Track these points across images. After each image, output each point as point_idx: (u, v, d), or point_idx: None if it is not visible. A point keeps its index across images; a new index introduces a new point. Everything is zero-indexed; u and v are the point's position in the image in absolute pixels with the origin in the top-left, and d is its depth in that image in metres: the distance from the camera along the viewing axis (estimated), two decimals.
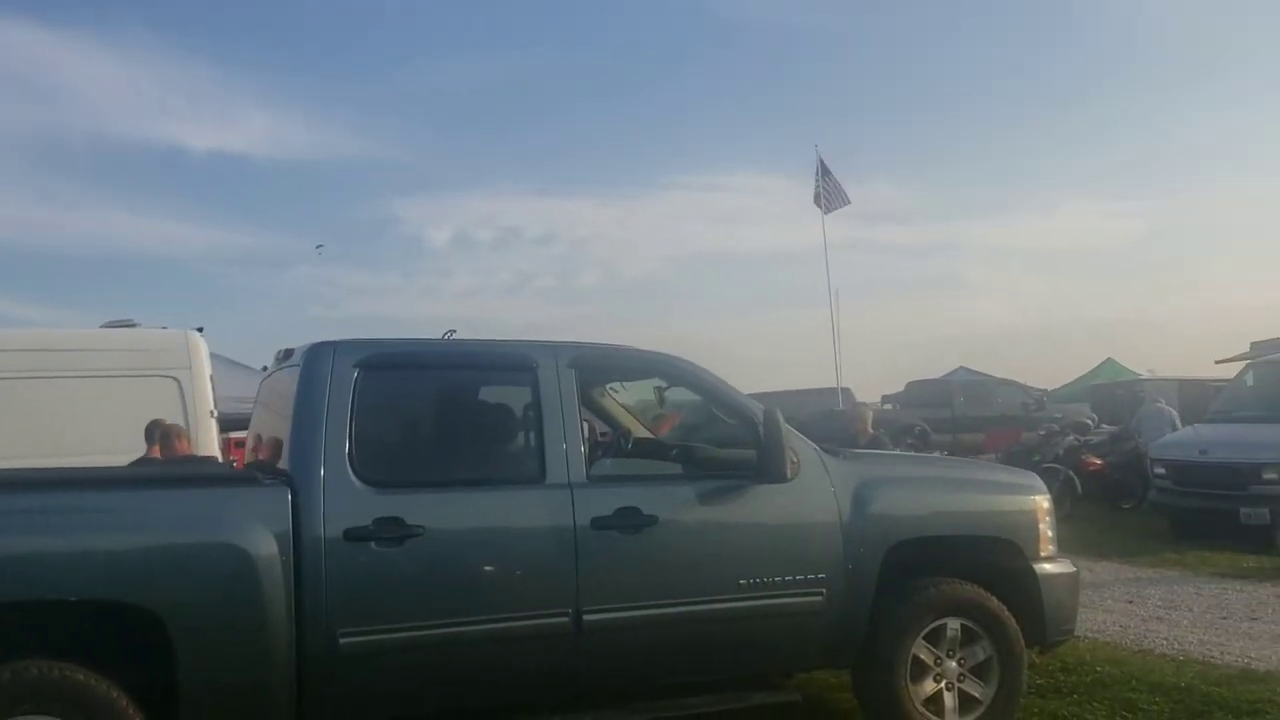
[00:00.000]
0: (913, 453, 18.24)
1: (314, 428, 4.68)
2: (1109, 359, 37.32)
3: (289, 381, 5.00)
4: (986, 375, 28.97)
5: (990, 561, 5.79)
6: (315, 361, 4.85)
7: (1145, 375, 29.51)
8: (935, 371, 29.42)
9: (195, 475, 4.74)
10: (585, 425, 6.44)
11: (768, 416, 5.20)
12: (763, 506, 5.23)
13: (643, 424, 6.57)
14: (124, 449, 6.64)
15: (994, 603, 5.67)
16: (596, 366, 5.46)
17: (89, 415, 7.62)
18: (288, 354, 5.19)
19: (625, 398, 6.52)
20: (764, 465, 5.16)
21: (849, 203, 28.33)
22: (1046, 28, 52.48)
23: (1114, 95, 54.86)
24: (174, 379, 7.89)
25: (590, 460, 5.25)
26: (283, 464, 4.80)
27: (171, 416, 7.40)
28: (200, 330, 8.56)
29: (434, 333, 5.30)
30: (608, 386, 6.34)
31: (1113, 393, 27.43)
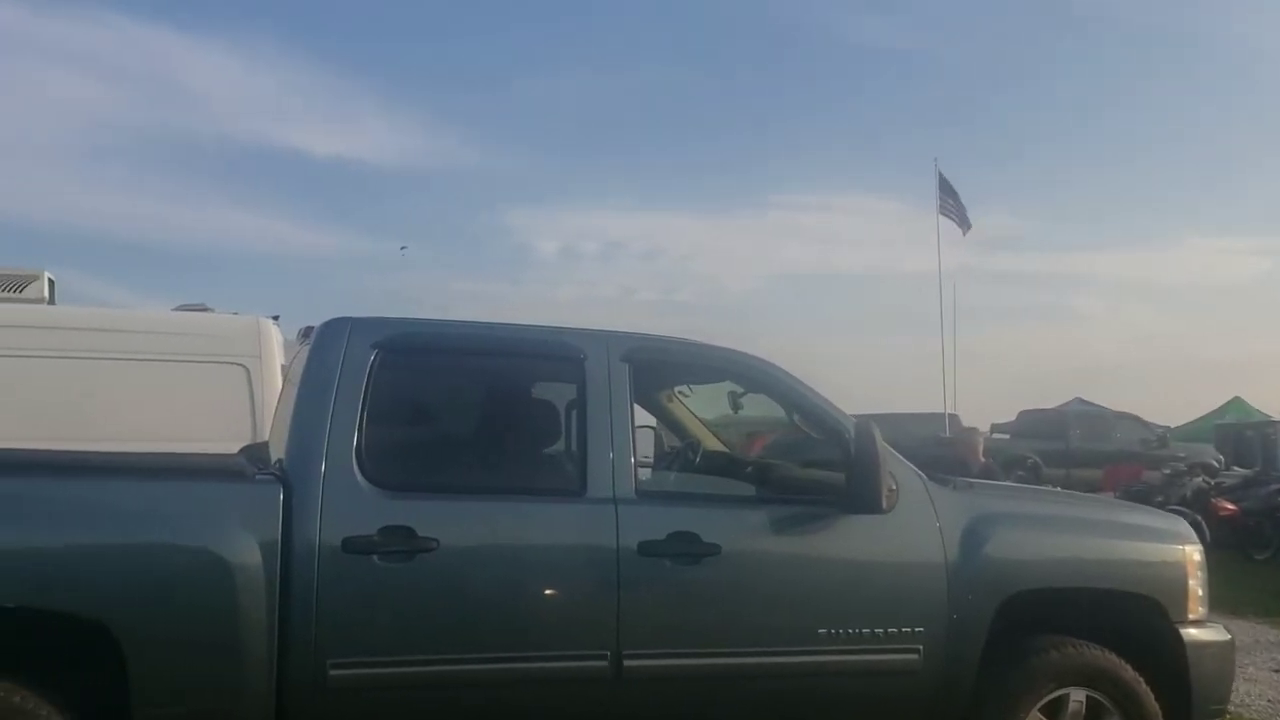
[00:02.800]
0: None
1: (318, 416, 3.96)
2: (1236, 397, 35.02)
3: (300, 365, 4.29)
4: (1103, 408, 27.24)
5: (1127, 623, 4.79)
6: (327, 340, 4.14)
7: (1278, 417, 27.41)
8: (1048, 402, 27.71)
9: (171, 465, 4.04)
10: (652, 434, 5.62)
11: (860, 432, 4.30)
12: (851, 541, 4.33)
13: (722, 440, 5.69)
14: (190, 436, 6.19)
15: (1129, 673, 4.67)
16: (655, 363, 4.62)
17: (154, 399, 7.14)
18: (308, 332, 4.47)
19: (702, 409, 5.65)
20: (855, 491, 4.26)
21: (970, 226, 26.97)
22: (1170, 59, 49.93)
23: (1242, 129, 52.00)
24: (243, 366, 7.42)
25: (646, 474, 4.42)
26: (279, 456, 4.08)
27: (239, 405, 6.98)
28: (276, 319, 8.16)
29: None
30: (676, 390, 5.49)
31: (1242, 433, 25.47)
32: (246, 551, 3.64)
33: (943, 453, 14.32)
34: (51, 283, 7.91)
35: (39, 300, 7.71)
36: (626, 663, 3.98)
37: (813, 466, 4.84)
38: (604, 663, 3.96)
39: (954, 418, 25.18)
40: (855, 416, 4.58)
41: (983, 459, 9.90)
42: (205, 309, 8.43)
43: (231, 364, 7.34)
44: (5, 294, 7.66)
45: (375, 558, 3.79)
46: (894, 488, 4.36)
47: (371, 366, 4.05)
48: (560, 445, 4.44)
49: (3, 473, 3.71)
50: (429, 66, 48.87)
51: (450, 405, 4.42)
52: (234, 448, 4.99)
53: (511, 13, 48.64)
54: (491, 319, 4.44)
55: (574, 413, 4.29)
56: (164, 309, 8.88)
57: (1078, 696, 4.61)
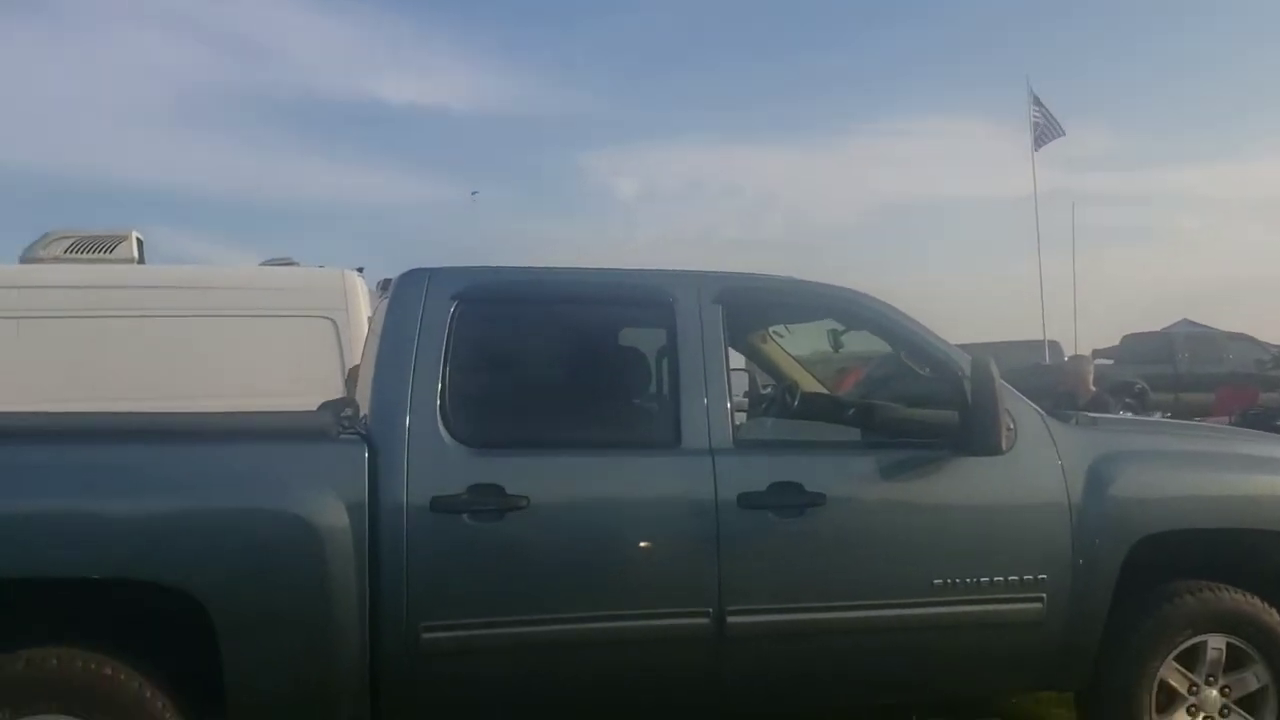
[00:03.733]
0: (1130, 414, 16.35)
1: (399, 372, 3.79)
2: None
3: (380, 318, 4.14)
4: (1212, 328, 26.11)
5: (1270, 565, 4.43)
6: (405, 292, 3.96)
7: None
8: (1153, 325, 26.65)
9: (253, 427, 3.91)
10: (745, 376, 5.36)
11: (978, 369, 3.99)
12: (966, 485, 4.04)
13: (816, 378, 5.42)
14: (279, 390, 6.26)
15: (1274, 616, 4.33)
16: (751, 303, 4.35)
17: (242, 355, 7.19)
18: (386, 285, 4.31)
19: (796, 346, 5.37)
20: (970, 431, 3.96)
21: (1063, 134, 25.90)
22: None
23: None
24: (330, 320, 7.40)
25: (743, 420, 4.18)
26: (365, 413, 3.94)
27: (327, 358, 7.03)
28: (360, 271, 8.10)
29: None
30: (771, 330, 5.21)
31: None
32: (333, 514, 3.51)
33: (1044, 381, 13.82)
34: (140, 242, 7.90)
35: (128, 260, 7.72)
36: (730, 620, 3.78)
37: (919, 404, 4.55)
38: (706, 620, 3.77)
39: (1054, 345, 24.41)
40: (967, 351, 4.27)
41: (1092, 388, 9.42)
42: (290, 263, 8.37)
43: (318, 317, 7.32)
44: (96, 255, 7.67)
45: (465, 517, 3.63)
46: (1011, 427, 4.05)
47: (451, 319, 3.86)
48: (652, 394, 4.22)
49: (79, 440, 3.61)
50: (501, 5, 48.39)
51: (535, 356, 4.21)
52: (323, 400, 4.90)
53: None
54: (573, 264, 4.22)
55: (665, 360, 4.07)
56: (250, 264, 8.89)
57: (1216, 644, 4.29)
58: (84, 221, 8.19)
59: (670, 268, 4.13)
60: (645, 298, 4.09)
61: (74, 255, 7.57)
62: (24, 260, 7.61)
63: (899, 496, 4.01)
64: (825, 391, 5.35)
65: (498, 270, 4.14)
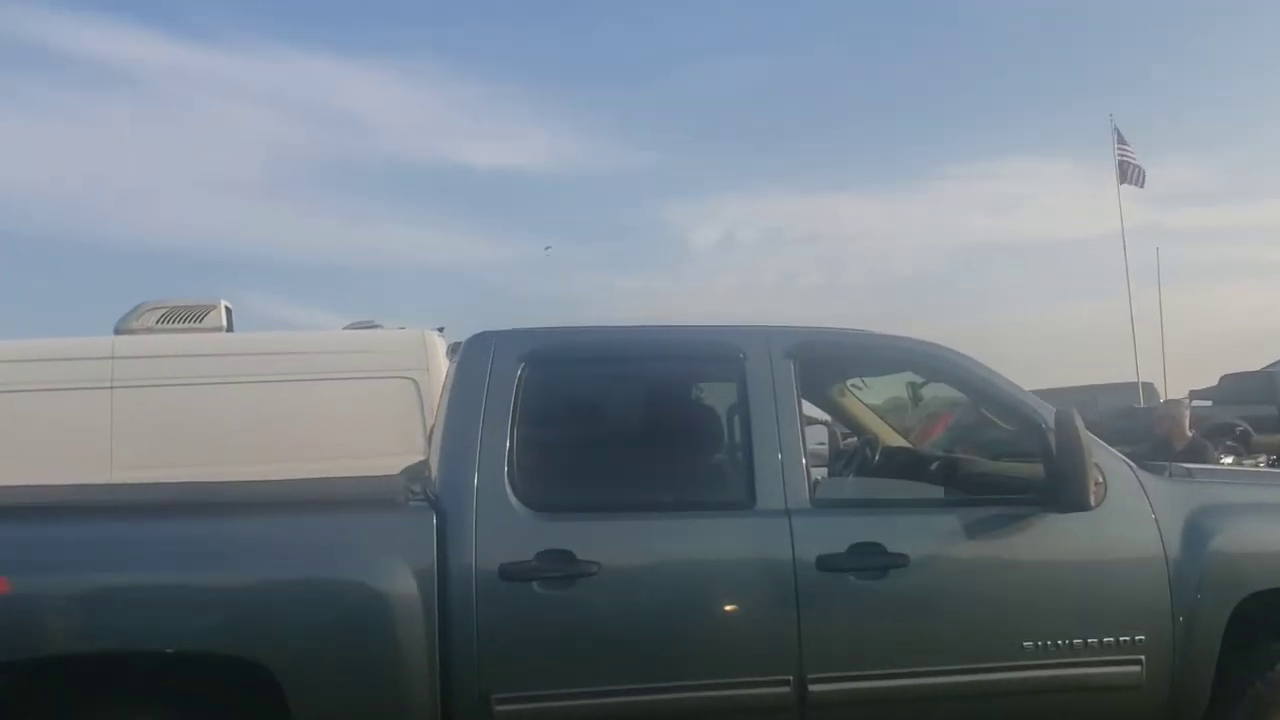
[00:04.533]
0: (1232, 458, 15.71)
1: (467, 437, 3.77)
2: None
3: (450, 380, 4.14)
4: None
5: None
6: (472, 355, 3.96)
7: None
8: (1252, 364, 25.68)
9: (323, 496, 3.92)
10: (825, 430, 5.25)
11: (1062, 421, 3.83)
12: (1056, 542, 3.87)
13: (897, 430, 5.28)
14: (366, 451, 6.38)
15: None
16: (823, 357, 4.26)
17: (328, 417, 7.28)
18: (456, 348, 4.31)
19: (873, 397, 5.25)
20: (1057, 487, 3.80)
21: (1143, 182, 25.36)
22: None
23: None
24: (412, 380, 7.50)
25: (821, 478, 4.07)
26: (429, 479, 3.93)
27: (410, 418, 7.05)
28: (440, 331, 8.22)
29: None
30: (849, 384, 5.10)
31: None
32: (402, 582, 3.48)
33: (1138, 424, 13.35)
34: (229, 311, 8.08)
35: (218, 329, 7.90)
36: (811, 688, 3.65)
37: (1004, 458, 4.39)
38: (786, 689, 3.64)
39: (1148, 386, 23.68)
40: (1049, 402, 4.11)
41: (1189, 432, 9.04)
42: (374, 326, 8.52)
43: (400, 378, 7.39)
44: (186, 324, 7.86)
45: (535, 584, 3.57)
46: (1100, 480, 3.88)
47: (519, 381, 3.84)
48: (724, 454, 4.13)
49: (154, 515, 3.65)
50: (577, 67, 49.23)
51: (604, 417, 4.18)
52: (408, 461, 4.90)
53: (656, 5, 48.53)
54: (654, 315, 4.20)
55: (737, 418, 3.98)
56: (336, 327, 9.06)
57: None
58: (178, 291, 8.47)
59: (747, 322, 4.08)
60: (714, 354, 4.04)
61: (166, 325, 7.76)
62: (118, 332, 7.82)
63: (985, 556, 3.85)
64: (907, 445, 5.20)
65: (564, 331, 4.13)
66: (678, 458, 4.11)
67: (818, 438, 4.94)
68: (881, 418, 5.22)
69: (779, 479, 3.79)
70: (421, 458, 5.02)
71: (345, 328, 8.52)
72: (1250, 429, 21.22)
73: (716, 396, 4.13)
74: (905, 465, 4.82)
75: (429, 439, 5.16)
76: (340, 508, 3.80)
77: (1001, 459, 4.54)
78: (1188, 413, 9.42)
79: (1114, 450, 4.10)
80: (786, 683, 3.63)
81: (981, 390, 4.21)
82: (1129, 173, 25.14)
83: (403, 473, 4.41)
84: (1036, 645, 3.78)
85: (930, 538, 3.84)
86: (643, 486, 3.93)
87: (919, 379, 4.56)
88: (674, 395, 4.27)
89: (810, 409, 4.39)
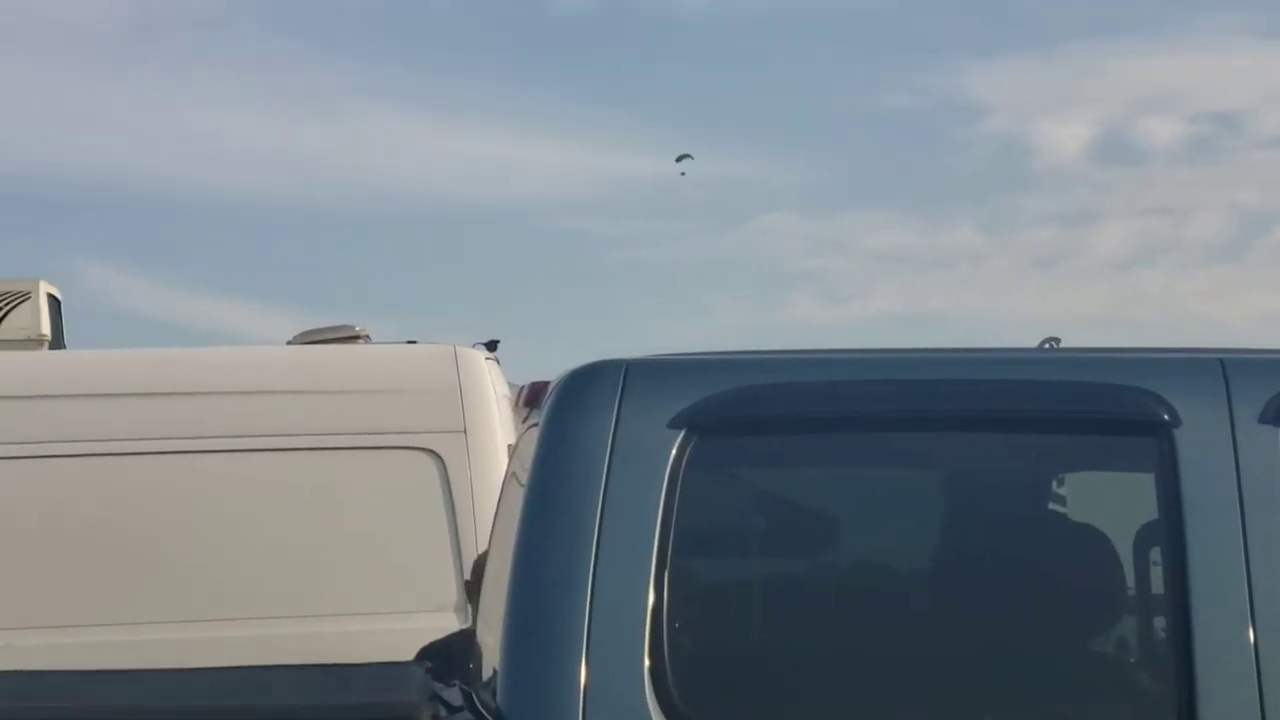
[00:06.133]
0: None
1: (562, 584, 1.89)
2: None
3: (528, 456, 2.21)
4: None
5: None
6: (576, 408, 2.04)
7: None
8: None
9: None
10: None
11: None
12: None
13: None
14: (332, 604, 3.83)
15: None
16: None
17: (255, 530, 4.22)
18: (534, 395, 2.36)
19: None
20: None
21: None
22: None
23: None
24: (432, 454, 4.11)
25: None
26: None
27: (427, 532, 3.85)
28: (492, 349, 5.11)
29: None
30: None
31: None
32: None
33: None
34: (54, 301, 5.21)
35: (33, 340, 5.13)
36: None
37: None
38: None
39: None
40: None
41: None
42: (356, 337, 5.02)
43: (410, 450, 3.95)
44: None
45: None
46: None
47: (679, 467, 1.90)
48: (1120, 618, 2.02)
49: None
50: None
51: (853, 546, 2.06)
52: (428, 625, 2.91)
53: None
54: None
55: (1156, 552, 1.89)
56: (279, 339, 5.76)
57: None
58: None
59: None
60: (1099, 413, 1.92)
61: None
62: None
63: None
64: None
65: (769, 362, 2.06)
66: (1018, 631, 1.97)
67: None
68: None
69: (1252, 679, 1.79)
70: (456, 620, 3.27)
71: (295, 340, 4.97)
72: None
73: (1107, 505, 2.01)
74: None
75: (472, 580, 2.88)
76: None
77: None
78: None
79: None
80: None
81: None
82: None
83: (418, 660, 2.45)
84: None
85: None
86: (939, 690, 1.90)
87: None
88: (1008, 499, 2.11)
89: None
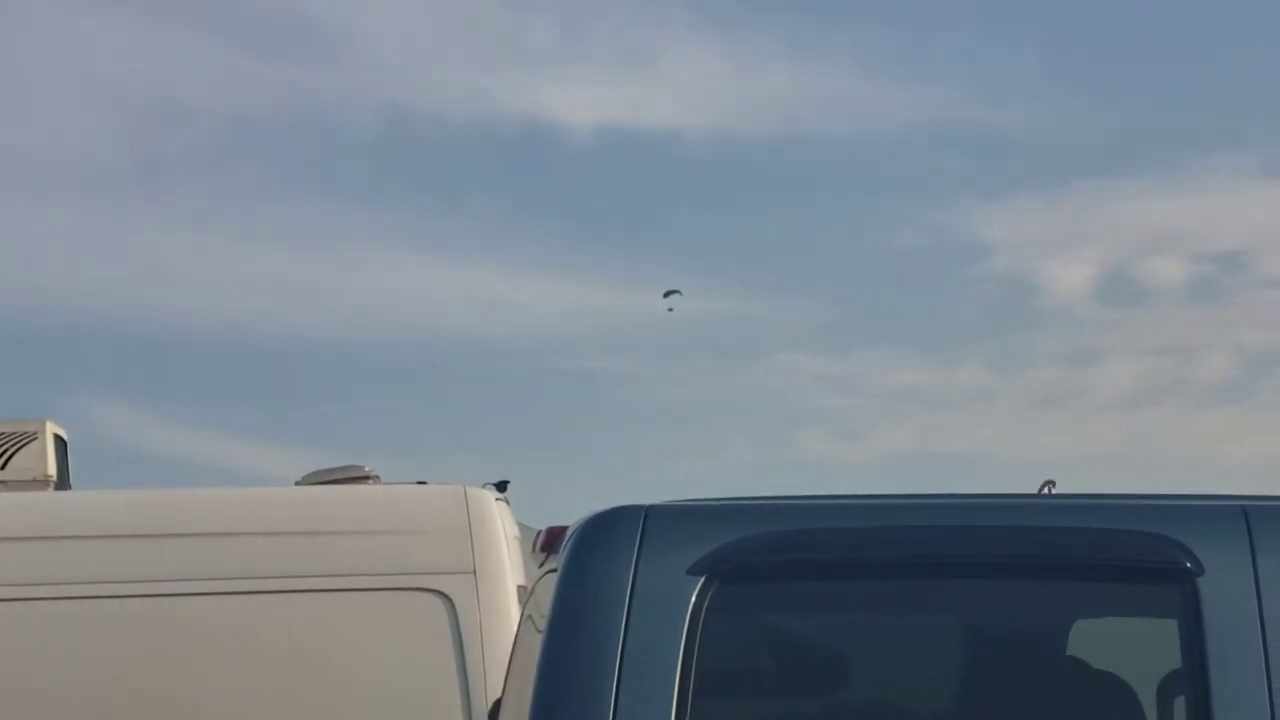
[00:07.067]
0: None
1: None
2: None
3: (546, 602, 2.17)
4: None
5: None
6: (594, 555, 2.02)
7: None
8: None
9: None
10: None
11: None
12: None
13: None
14: None
15: None
16: None
17: (248, 676, 4.26)
18: (551, 540, 2.34)
19: None
20: None
21: None
22: None
23: None
24: (442, 596, 4.28)
25: None
26: None
27: (434, 681, 3.89)
28: (501, 490, 5.08)
29: None
30: None
31: None
32: None
33: None
34: (60, 442, 4.95)
35: (39, 480, 4.90)
36: None
37: None
38: None
39: None
40: None
41: None
42: (365, 477, 5.20)
43: (418, 591, 3.93)
44: None
45: None
46: None
47: (698, 617, 1.88)
48: None
49: None
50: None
51: (873, 692, 2.03)
52: None
53: None
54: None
55: (1180, 702, 1.86)
56: (286, 480, 5.64)
57: None
58: None
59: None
60: (1119, 557, 1.91)
61: None
62: None
63: None
64: None
65: (782, 509, 2.05)
66: None
67: None
68: None
69: None
70: None
71: (304, 480, 4.80)
72: None
73: (1129, 653, 1.98)
74: None
75: None
76: None
77: None
78: None
79: None
80: None
81: None
82: None
83: None
84: None
85: None
86: None
87: None
88: (1031, 650, 2.07)
89: None
